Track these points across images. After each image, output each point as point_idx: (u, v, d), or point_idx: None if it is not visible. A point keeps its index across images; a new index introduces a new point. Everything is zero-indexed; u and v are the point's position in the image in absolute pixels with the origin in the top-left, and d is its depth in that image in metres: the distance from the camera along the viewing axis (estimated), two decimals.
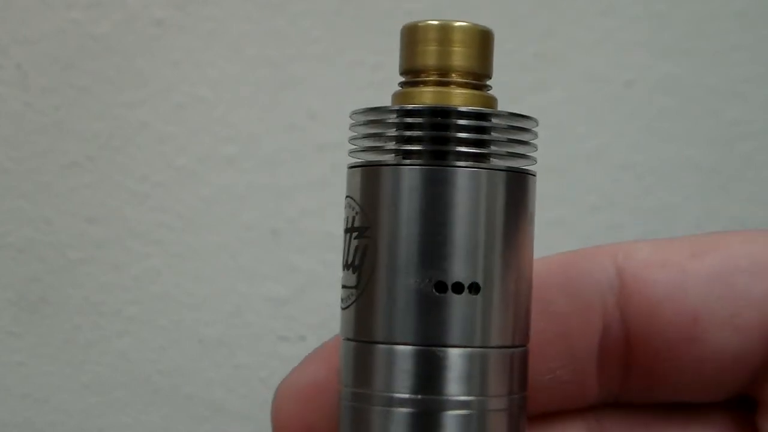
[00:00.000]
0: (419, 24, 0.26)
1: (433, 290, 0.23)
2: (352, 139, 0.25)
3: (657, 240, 0.27)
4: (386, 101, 0.25)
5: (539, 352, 0.26)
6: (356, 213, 0.24)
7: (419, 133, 0.24)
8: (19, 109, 0.55)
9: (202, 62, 0.55)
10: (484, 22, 0.27)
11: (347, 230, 0.24)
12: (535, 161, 0.25)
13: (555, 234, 0.55)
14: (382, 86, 0.53)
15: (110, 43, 0.55)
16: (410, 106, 0.24)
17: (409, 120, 0.24)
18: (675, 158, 0.56)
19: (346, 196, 0.25)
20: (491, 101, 0.25)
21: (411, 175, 0.23)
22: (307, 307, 0.55)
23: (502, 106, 0.25)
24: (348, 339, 0.24)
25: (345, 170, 0.24)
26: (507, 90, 0.56)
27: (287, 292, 0.55)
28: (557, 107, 0.55)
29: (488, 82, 0.26)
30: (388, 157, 0.25)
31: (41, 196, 0.55)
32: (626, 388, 0.27)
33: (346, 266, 0.24)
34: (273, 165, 0.55)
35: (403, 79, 0.26)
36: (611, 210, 0.56)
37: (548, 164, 0.55)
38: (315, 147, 0.54)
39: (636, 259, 0.26)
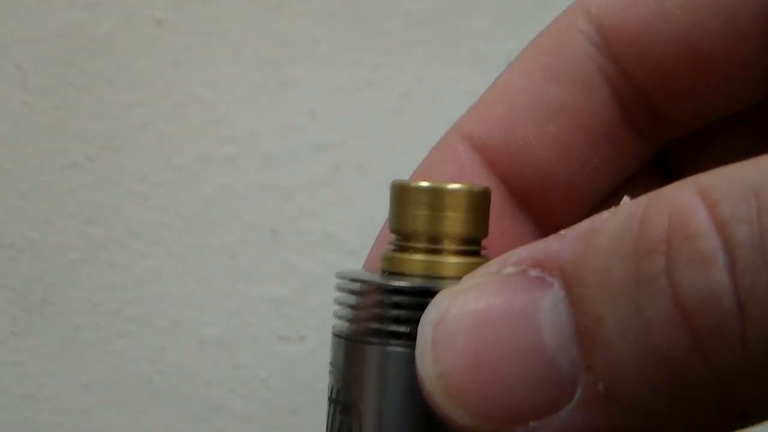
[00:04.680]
0: (411, 186, 0.24)
1: None
2: (337, 302, 0.24)
3: None
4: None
5: (565, 155, 0.25)
6: (340, 386, 0.23)
7: (406, 314, 0.22)
8: (18, 109, 0.55)
9: (202, 62, 0.55)
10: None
11: (331, 400, 0.23)
12: None
13: None
14: (381, 86, 0.53)
15: (110, 43, 0.55)
16: (396, 284, 0.22)
17: (395, 299, 0.22)
18: None
19: (330, 362, 0.23)
20: None
21: (397, 358, 0.22)
22: (307, 307, 0.55)
23: None
24: None
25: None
26: None
27: (287, 292, 0.55)
28: None
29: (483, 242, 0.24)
30: (375, 329, 0.22)
31: (41, 196, 0.55)
32: (664, 131, 0.26)
33: None
34: (273, 165, 0.55)
35: (393, 238, 0.24)
36: None
37: None
38: (315, 147, 0.54)
39: (608, 7, 0.25)
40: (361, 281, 0.23)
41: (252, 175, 0.55)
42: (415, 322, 0.21)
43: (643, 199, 0.19)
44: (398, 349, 0.22)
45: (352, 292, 0.23)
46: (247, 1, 0.55)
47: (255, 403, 0.56)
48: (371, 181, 0.54)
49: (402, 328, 0.22)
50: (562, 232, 0.20)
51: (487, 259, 0.23)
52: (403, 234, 0.23)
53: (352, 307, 0.23)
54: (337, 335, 0.23)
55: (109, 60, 0.55)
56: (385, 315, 0.22)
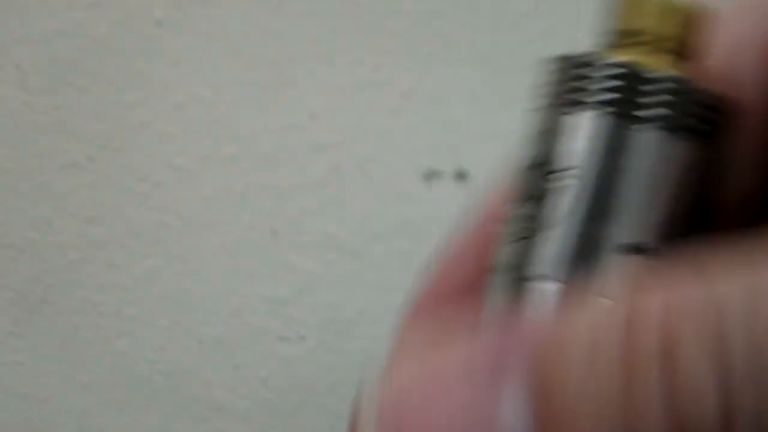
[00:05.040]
0: None
1: (623, 254, 0.23)
2: (547, 83, 0.25)
3: None
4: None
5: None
6: (548, 157, 0.24)
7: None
8: (18, 109, 0.55)
9: (202, 62, 0.55)
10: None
11: (533, 168, 0.24)
12: None
13: None
14: (381, 86, 0.53)
15: (110, 44, 0.55)
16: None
17: (610, 69, 0.24)
18: None
19: (527, 137, 0.24)
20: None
21: (603, 123, 0.23)
22: (307, 307, 0.55)
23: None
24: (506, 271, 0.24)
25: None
26: (507, 89, 0.56)
27: (287, 292, 0.55)
28: None
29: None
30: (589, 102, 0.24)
31: (41, 196, 0.55)
32: None
33: (524, 202, 0.24)
34: (273, 165, 0.55)
35: (610, 38, 0.25)
36: None
37: None
38: (315, 147, 0.54)
39: None
40: (588, 64, 0.24)
41: (252, 175, 0.55)
42: (626, 93, 0.23)
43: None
44: (608, 117, 0.23)
45: (565, 66, 0.24)
46: (247, 1, 0.55)
47: (255, 403, 0.56)
48: (371, 181, 0.54)
49: (610, 96, 0.23)
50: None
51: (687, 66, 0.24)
52: (622, 31, 0.25)
53: (569, 87, 0.24)
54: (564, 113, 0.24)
55: (109, 60, 0.55)
56: (598, 86, 0.24)
